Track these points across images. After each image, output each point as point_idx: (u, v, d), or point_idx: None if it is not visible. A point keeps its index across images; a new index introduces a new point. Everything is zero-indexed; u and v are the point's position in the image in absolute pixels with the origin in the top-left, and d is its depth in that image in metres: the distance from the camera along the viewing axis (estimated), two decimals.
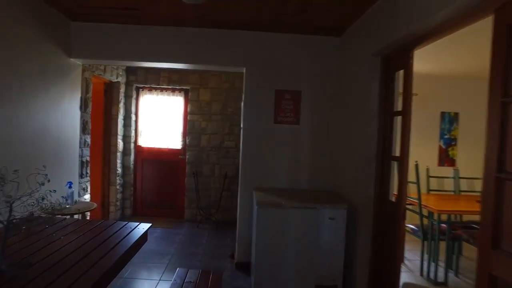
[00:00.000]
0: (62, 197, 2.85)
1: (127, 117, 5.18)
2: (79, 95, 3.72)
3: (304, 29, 3.46)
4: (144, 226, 2.10)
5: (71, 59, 3.48)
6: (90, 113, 4.00)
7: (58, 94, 3.31)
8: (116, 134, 4.93)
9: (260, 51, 3.57)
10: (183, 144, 5.36)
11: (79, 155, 3.77)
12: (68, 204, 3.07)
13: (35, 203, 1.38)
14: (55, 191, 1.49)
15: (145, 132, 5.38)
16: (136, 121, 5.34)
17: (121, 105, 5.02)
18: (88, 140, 3.98)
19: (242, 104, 3.66)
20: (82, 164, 3.85)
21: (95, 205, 3.29)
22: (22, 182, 1.46)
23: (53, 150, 3.24)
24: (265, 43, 3.57)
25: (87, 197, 4.00)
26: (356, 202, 2.98)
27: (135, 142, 5.34)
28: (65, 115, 3.44)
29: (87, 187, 3.99)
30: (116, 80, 4.85)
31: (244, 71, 3.58)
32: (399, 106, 2.69)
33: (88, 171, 4.01)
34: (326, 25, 3.33)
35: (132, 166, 5.27)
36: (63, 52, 3.36)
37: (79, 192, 3.78)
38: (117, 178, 4.98)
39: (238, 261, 3.62)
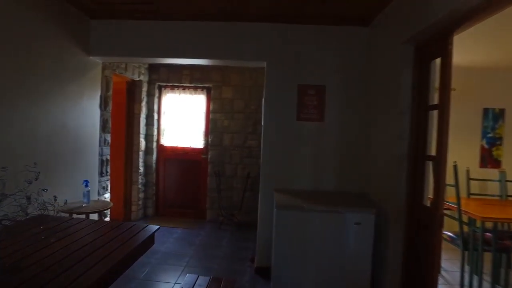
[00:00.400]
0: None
1: (149, 116, 5.16)
2: (99, 94, 3.70)
3: (329, 19, 3.21)
4: (151, 229, 1.97)
5: (90, 57, 3.46)
6: (110, 111, 3.98)
7: (76, 92, 3.29)
8: (138, 133, 4.91)
9: (281, 44, 3.37)
10: (205, 143, 5.27)
11: (99, 154, 3.76)
12: (84, 203, 3.03)
13: (24, 203, 1.28)
14: (46, 190, 1.38)
15: (168, 131, 5.33)
16: (158, 120, 5.31)
17: (143, 103, 5.01)
18: (109, 138, 3.96)
19: (263, 100, 3.48)
20: (102, 162, 3.83)
21: (111, 204, 3.23)
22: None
23: (72, 149, 3.22)
24: (287, 36, 3.36)
25: (107, 195, 3.98)
26: (386, 206, 2.70)
27: (158, 141, 5.31)
28: (84, 113, 3.42)
29: (107, 186, 3.97)
30: (138, 79, 4.84)
31: (265, 65, 3.40)
32: (435, 100, 2.39)
33: (108, 170, 3.99)
34: (352, 14, 3.08)
35: (154, 165, 5.25)
36: (82, 50, 3.35)
37: (98, 191, 3.76)
38: (139, 177, 4.97)
39: (258, 266, 3.44)
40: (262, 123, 3.43)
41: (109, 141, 3.99)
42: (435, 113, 2.29)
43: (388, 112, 2.76)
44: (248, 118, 5.10)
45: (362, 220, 2.67)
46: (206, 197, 5.23)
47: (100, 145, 3.76)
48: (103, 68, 3.77)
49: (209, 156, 5.18)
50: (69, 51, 3.17)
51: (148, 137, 5.16)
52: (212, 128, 5.15)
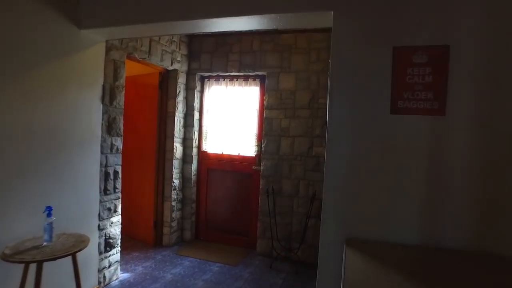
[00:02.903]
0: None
1: (188, 115, 4.08)
2: (101, 83, 2.70)
3: None
4: None
5: (81, 30, 2.47)
6: (122, 107, 2.97)
7: (59, 78, 2.31)
8: (173, 136, 3.86)
9: None
10: (257, 151, 3.97)
11: (101, 164, 2.76)
12: (45, 242, 1.99)
13: None
14: None
15: (211, 133, 4.19)
16: (200, 120, 4.21)
17: (180, 99, 3.95)
18: (118, 143, 2.95)
19: (328, 80, 2.02)
20: (107, 175, 2.82)
21: (87, 239, 2.13)
22: None
23: (43, 158, 2.24)
24: None
25: (115, 219, 2.97)
26: None
27: (199, 146, 4.21)
28: (72, 108, 2.44)
29: (115, 207, 2.95)
30: (172, 68, 3.79)
31: (332, 16, 1.93)
32: None
33: (118, 185, 2.98)
34: None
35: (194, 177, 4.15)
36: (69, 20, 2.37)
37: (99, 215, 2.76)
38: (173, 192, 3.91)
39: None
40: (327, 119, 1.96)
41: (120, 147, 2.97)
42: None
43: None
44: (316, 116, 3.63)
45: None
46: (257, 221, 3.92)
47: (103, 152, 2.76)
48: (109, 49, 2.77)
49: (262, 167, 3.86)
50: (48, 19, 2.21)
51: (186, 141, 4.09)
52: (266, 130, 3.82)
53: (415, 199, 1.79)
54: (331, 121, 1.92)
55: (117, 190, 2.96)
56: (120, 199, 3.01)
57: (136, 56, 3.17)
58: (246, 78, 3.98)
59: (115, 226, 2.96)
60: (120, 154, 2.99)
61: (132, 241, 4.03)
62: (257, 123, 3.97)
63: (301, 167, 3.71)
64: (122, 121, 2.98)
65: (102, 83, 2.72)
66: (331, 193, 1.92)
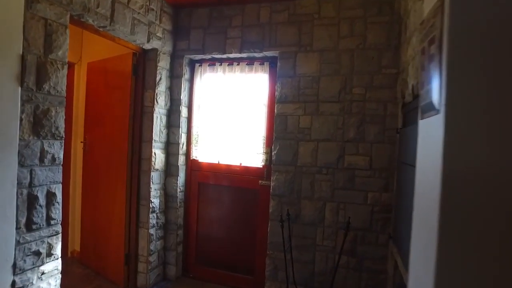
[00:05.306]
0: None
1: (173, 112, 3.06)
2: (17, 52, 1.68)
3: None
4: None
5: None
6: (62, 95, 1.94)
7: None
8: (151, 139, 2.83)
9: None
10: (266, 160, 2.93)
11: (20, 183, 1.73)
12: None
13: None
14: None
15: (204, 137, 3.15)
16: (189, 119, 3.17)
17: (162, 90, 2.92)
18: (55, 149, 1.92)
19: (443, 50, 0.98)
20: (32, 200, 1.79)
21: None
22: None
23: None
24: None
25: (50, 267, 1.92)
26: None
27: (187, 154, 3.17)
28: None
29: (50, 248, 1.91)
30: (149, 47, 2.78)
31: None
32: None
33: (56, 215, 1.94)
34: None
35: (180, 195, 3.10)
36: None
37: (15, 265, 1.72)
38: (152, 215, 2.87)
39: None
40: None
41: (58, 156, 1.94)
42: None
43: None
44: (349, 112, 2.59)
45: None
46: (265, 256, 2.86)
47: (24, 164, 1.73)
48: (35, 0, 1.75)
49: (272, 182, 2.81)
50: None
51: (170, 147, 3.06)
52: (279, 131, 2.78)
53: None
54: (451, 117, 0.87)
55: (53, 222, 1.93)
56: (59, 235, 1.98)
57: (91, 21, 2.16)
58: (250, 62, 2.95)
59: (49, 279, 1.92)
60: (59, 167, 1.96)
61: (98, 279, 2.99)
62: (266, 122, 2.93)
63: (327, 184, 2.65)
64: (62, 116, 1.96)
65: (20, 53, 1.70)
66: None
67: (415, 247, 1.03)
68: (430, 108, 0.91)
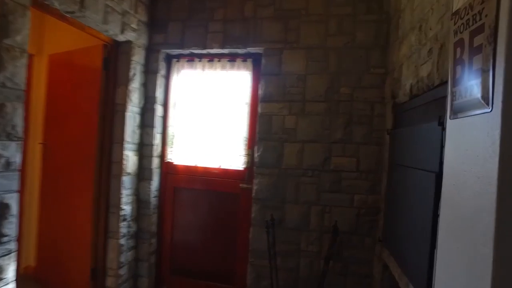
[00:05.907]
0: None
1: (147, 111, 2.81)
2: None
3: None
4: None
5: None
6: (21, 88, 1.67)
7: None
8: (122, 141, 2.57)
9: None
10: (248, 162, 2.77)
11: None
12: None
13: None
14: None
15: (181, 138, 2.93)
16: (164, 118, 2.94)
17: (135, 86, 2.68)
18: (11, 153, 1.64)
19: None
20: None
21: None
22: None
23: None
24: None
25: None
26: None
27: (162, 156, 2.93)
28: None
29: (1, 271, 1.62)
30: (123, 39, 2.53)
31: None
32: None
33: (10, 230, 1.65)
34: None
35: (154, 201, 2.86)
36: None
37: None
38: (123, 223, 2.60)
39: None
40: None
41: (15, 160, 1.66)
42: None
43: None
44: (336, 112, 2.51)
45: None
46: (247, 264, 2.70)
47: None
48: None
49: (255, 186, 2.66)
50: None
51: (144, 149, 2.81)
52: (262, 132, 2.64)
53: None
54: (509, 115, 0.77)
55: (5, 240, 1.63)
56: (12, 255, 1.68)
57: (57, 4, 1.89)
58: (233, 58, 2.79)
59: None
60: (15, 173, 1.67)
61: None
62: (248, 122, 2.77)
63: (313, 187, 2.55)
64: (21, 114, 1.68)
65: None
66: None
67: (445, 259, 0.92)
68: (471, 107, 0.82)
